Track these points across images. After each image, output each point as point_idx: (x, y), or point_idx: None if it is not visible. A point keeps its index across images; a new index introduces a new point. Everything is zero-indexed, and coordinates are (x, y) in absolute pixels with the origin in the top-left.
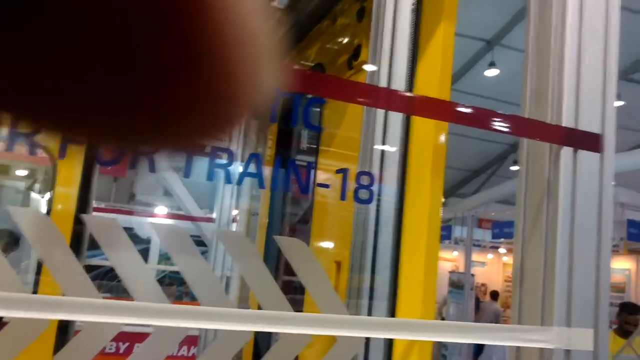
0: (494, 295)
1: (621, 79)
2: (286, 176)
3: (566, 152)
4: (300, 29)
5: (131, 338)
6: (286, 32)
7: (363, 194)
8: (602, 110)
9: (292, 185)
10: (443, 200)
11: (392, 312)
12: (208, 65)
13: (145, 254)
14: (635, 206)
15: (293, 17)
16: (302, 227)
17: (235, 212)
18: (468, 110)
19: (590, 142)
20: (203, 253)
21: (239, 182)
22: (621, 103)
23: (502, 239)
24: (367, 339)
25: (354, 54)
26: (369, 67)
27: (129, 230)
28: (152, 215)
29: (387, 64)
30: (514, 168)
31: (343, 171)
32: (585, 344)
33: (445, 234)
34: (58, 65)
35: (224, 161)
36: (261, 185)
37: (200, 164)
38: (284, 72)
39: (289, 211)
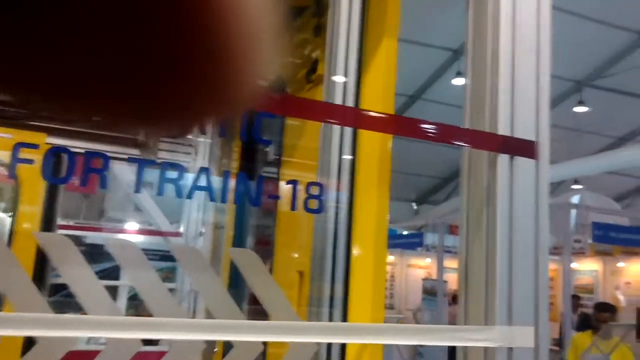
0: (454, 298)
1: (585, 86)
2: (239, 189)
3: (503, 159)
4: None
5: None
6: None
7: (312, 204)
8: (536, 118)
9: (245, 197)
10: (415, 207)
11: (344, 318)
12: (208, 51)
13: (118, 270)
14: (599, 209)
15: None
16: (270, 239)
17: (202, 226)
18: (410, 123)
19: (525, 149)
20: (173, 269)
21: (189, 196)
22: (586, 109)
23: None
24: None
25: (312, 68)
26: (333, 80)
27: (100, 248)
28: (121, 232)
29: (342, 78)
30: None
31: (293, 182)
32: (526, 341)
33: (418, 241)
34: (65, 49)
35: (174, 175)
36: (212, 198)
37: (162, 179)
38: (282, 65)
39: (254, 223)
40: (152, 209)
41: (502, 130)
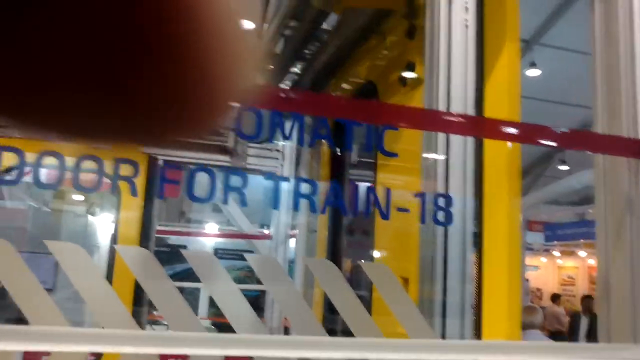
0: (554, 298)
1: None
2: (340, 198)
3: None
4: (347, 47)
5: None
6: (335, 51)
7: (441, 216)
8: None
9: (359, 207)
10: None
11: (476, 328)
12: (186, 55)
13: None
14: None
15: (340, 36)
16: (351, 239)
17: (291, 229)
18: (538, 130)
19: None
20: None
21: (323, 211)
22: None
23: (555, 242)
24: None
25: (408, 71)
26: (439, 85)
27: (183, 248)
28: (209, 235)
29: (445, 82)
30: (563, 167)
31: (422, 195)
32: None
33: None
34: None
35: (305, 190)
36: (344, 212)
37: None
38: (263, 69)
39: (349, 228)
40: (233, 211)
41: None
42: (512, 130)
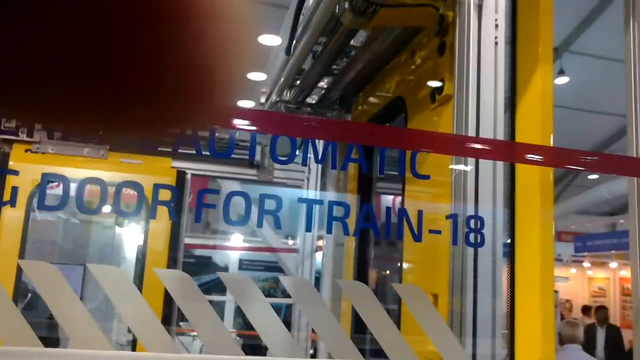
0: (585, 310)
1: None
2: (372, 220)
3: None
4: (376, 63)
5: None
6: (363, 66)
7: (473, 238)
8: None
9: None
10: None
11: (510, 344)
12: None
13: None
14: None
15: (369, 52)
16: (378, 251)
17: (317, 241)
18: (569, 154)
19: None
20: (277, 279)
21: (355, 233)
22: None
23: (585, 253)
24: None
25: (437, 88)
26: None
27: (208, 259)
28: (236, 249)
29: (474, 99)
30: (592, 177)
31: (453, 217)
32: None
33: None
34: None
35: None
36: (376, 234)
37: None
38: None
39: (376, 241)
40: (263, 228)
41: None
42: (543, 156)
